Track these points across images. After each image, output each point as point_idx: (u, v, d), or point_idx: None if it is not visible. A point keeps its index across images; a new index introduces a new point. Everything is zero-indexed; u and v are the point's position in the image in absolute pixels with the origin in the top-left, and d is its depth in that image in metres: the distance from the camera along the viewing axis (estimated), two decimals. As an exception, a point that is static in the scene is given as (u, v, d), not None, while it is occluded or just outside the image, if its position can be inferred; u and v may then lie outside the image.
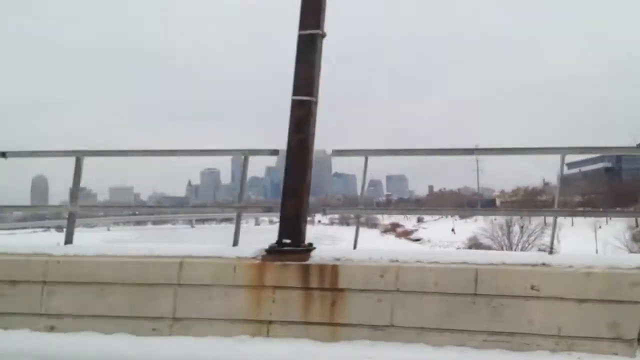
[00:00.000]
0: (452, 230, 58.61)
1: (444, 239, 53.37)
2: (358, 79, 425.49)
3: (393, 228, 72.31)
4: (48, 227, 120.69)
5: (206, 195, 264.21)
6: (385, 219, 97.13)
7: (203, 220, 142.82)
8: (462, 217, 68.26)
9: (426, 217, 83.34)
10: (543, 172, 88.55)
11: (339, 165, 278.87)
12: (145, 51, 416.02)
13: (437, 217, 76.06)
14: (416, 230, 66.78)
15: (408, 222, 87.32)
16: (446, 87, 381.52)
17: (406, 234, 62.78)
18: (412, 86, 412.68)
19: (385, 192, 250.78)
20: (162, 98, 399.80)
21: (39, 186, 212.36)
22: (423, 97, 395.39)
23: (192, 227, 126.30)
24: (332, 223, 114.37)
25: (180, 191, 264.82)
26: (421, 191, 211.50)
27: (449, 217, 72.25)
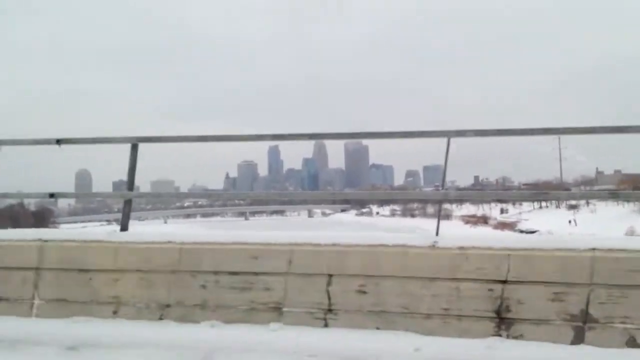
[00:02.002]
0: (571, 221, 53.23)
1: (565, 230, 47.70)
2: (398, 67, 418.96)
3: (483, 219, 67.30)
4: (109, 220, 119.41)
5: (243, 187, 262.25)
6: (456, 210, 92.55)
7: (253, 213, 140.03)
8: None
9: (511, 209, 78.38)
10: (593, 160, 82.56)
11: (376, 156, 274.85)
12: (181, 43, 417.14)
13: (531, 207, 71.04)
14: (519, 222, 61.63)
15: (488, 212, 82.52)
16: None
17: (507, 226, 57.48)
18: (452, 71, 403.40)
19: (422, 183, 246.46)
20: (198, 91, 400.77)
21: (83, 180, 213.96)
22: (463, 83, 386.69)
23: (247, 219, 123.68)
24: (393, 214, 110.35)
25: (217, 184, 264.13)
26: (463, 182, 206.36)
27: (547, 207, 67.32)
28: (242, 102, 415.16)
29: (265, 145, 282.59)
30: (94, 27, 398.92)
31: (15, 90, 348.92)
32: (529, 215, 65.33)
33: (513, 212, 74.63)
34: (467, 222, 70.43)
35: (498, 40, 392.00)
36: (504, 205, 77.76)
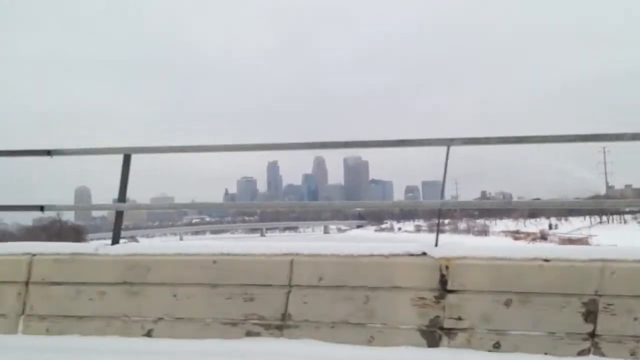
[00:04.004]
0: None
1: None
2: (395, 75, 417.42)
3: (541, 235, 63.31)
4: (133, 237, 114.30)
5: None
6: (493, 226, 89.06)
7: (265, 229, 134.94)
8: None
9: (558, 222, 74.78)
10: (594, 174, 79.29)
11: (376, 171, 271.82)
12: (180, 57, 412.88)
13: (587, 222, 67.31)
14: (587, 237, 57.48)
15: (529, 227, 79.03)
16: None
17: (576, 242, 53.31)
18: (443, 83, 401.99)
19: (422, 198, 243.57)
20: (190, 102, 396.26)
21: (82, 197, 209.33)
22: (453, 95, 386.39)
23: (263, 235, 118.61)
24: (418, 230, 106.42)
25: (217, 200, 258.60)
26: (469, 196, 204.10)
27: (608, 222, 63.90)
28: (242, 116, 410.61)
29: (264, 161, 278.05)
30: (92, 42, 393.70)
31: (12, 104, 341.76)
32: (591, 230, 61.39)
33: (565, 228, 70.78)
34: (515, 239, 66.55)
35: (498, 52, 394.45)
36: (552, 220, 74.26)
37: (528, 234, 67.48)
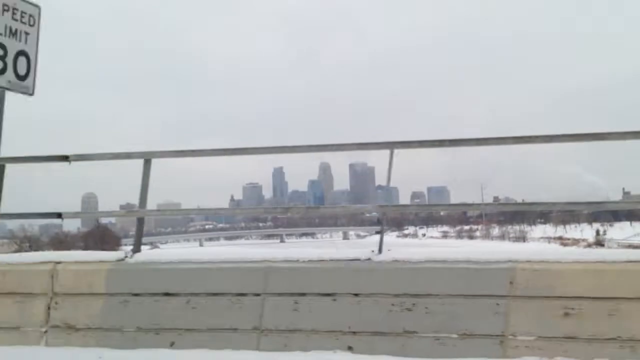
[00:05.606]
0: None
1: None
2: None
3: (597, 241, 60.68)
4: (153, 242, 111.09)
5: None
6: (530, 232, 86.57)
7: (285, 235, 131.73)
8: None
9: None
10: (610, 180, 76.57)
11: (382, 177, 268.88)
12: (178, 64, 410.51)
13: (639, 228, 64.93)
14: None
15: (570, 233, 76.64)
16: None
17: (637, 248, 50.79)
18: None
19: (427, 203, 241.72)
20: (194, 111, 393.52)
21: (89, 203, 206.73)
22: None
23: (283, 241, 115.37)
24: (444, 236, 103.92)
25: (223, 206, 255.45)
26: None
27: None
28: (247, 124, 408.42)
29: (270, 167, 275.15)
30: (94, 52, 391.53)
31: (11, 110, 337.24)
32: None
33: (613, 233, 68.15)
34: (563, 245, 63.84)
35: (498, 59, 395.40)
36: (595, 226, 71.76)
37: (576, 240, 64.71)
